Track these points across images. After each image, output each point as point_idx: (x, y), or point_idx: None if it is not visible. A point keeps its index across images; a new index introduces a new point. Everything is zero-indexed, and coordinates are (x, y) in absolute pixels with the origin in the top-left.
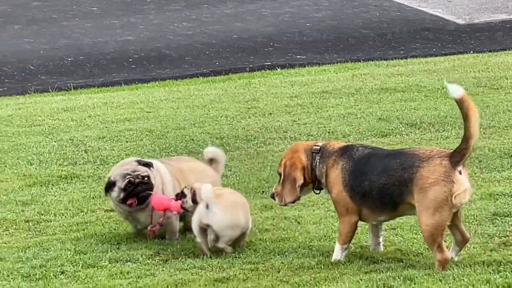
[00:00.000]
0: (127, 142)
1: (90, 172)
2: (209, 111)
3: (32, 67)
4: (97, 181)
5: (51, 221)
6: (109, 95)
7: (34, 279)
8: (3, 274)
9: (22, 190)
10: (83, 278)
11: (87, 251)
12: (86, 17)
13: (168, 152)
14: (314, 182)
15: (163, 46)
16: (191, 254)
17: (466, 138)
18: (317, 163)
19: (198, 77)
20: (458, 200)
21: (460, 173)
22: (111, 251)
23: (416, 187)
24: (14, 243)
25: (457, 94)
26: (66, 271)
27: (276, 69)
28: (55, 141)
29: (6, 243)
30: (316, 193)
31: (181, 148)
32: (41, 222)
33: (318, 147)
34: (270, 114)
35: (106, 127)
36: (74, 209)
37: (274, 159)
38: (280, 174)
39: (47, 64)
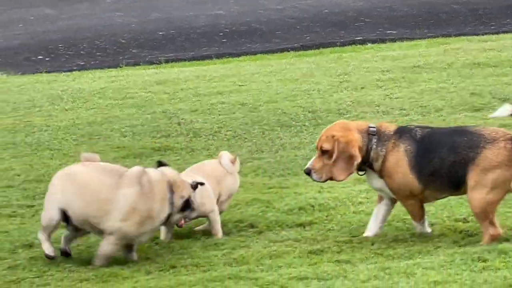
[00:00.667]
0: (219, 115)
1: (184, 145)
2: (301, 84)
3: (123, 41)
4: (190, 153)
5: None
6: (200, 69)
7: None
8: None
9: (116, 161)
10: (178, 249)
11: None
12: None
13: (261, 125)
14: (363, 163)
15: (254, 20)
16: (285, 226)
17: None
18: (374, 146)
19: (288, 51)
20: None
21: None
22: (205, 223)
23: (478, 167)
24: None
25: (507, 113)
26: (161, 241)
27: (367, 44)
28: (148, 114)
29: None
30: (360, 175)
31: (274, 122)
32: None
33: (375, 129)
34: (362, 88)
35: (198, 100)
36: None
37: None
38: (322, 150)
39: (138, 37)
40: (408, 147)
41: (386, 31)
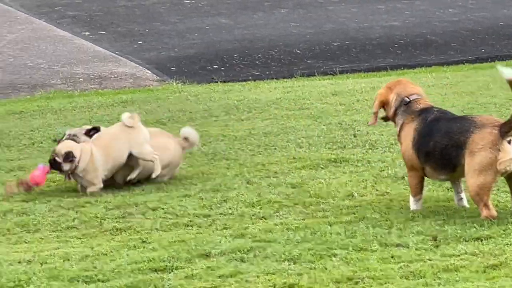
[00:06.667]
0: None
1: (359, 156)
2: (477, 98)
3: (298, 51)
4: (366, 165)
5: (321, 204)
6: (376, 80)
7: (305, 261)
8: (274, 255)
9: (292, 172)
10: (354, 261)
11: (357, 235)
12: (352, 1)
13: None
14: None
15: (429, 32)
16: (462, 240)
17: None
18: (400, 112)
19: (463, 63)
20: (503, 166)
21: (509, 142)
22: (381, 236)
23: (467, 150)
24: (284, 225)
25: (508, 76)
26: (336, 254)
27: None
28: (324, 125)
29: (276, 225)
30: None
31: None
32: (311, 205)
33: (408, 100)
34: None
35: None
36: (344, 193)
37: None
38: None
39: (313, 48)
40: (417, 126)
41: None
